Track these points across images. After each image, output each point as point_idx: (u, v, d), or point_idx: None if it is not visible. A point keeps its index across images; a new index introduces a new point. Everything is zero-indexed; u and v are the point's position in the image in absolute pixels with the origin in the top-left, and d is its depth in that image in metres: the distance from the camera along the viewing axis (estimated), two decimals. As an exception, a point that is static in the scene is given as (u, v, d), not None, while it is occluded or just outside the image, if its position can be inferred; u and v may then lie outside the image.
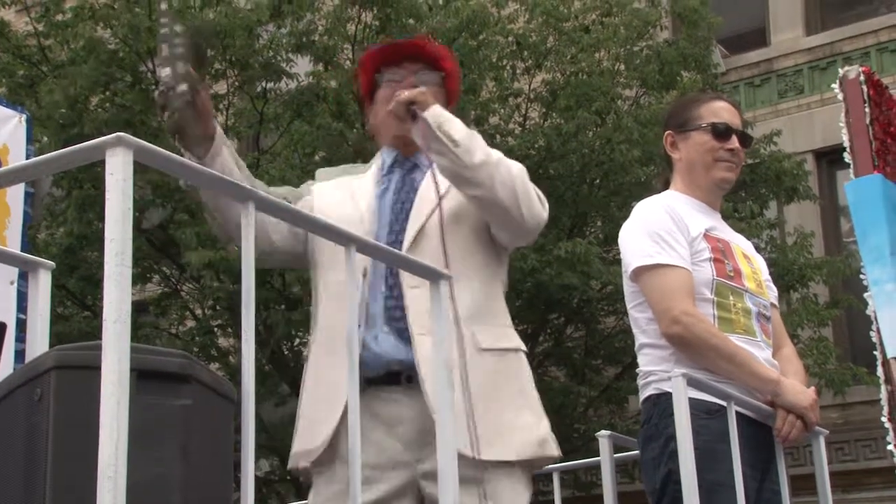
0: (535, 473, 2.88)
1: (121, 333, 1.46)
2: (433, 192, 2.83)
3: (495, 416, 2.69)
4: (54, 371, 1.57)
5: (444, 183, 2.85)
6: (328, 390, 2.75)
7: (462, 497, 2.57)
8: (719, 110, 3.37)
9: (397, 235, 2.82)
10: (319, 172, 3.13)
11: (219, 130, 2.69)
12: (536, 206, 2.82)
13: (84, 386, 1.52)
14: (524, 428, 2.75)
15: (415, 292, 2.72)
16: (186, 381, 1.65)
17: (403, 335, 2.72)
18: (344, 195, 2.94)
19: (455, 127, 2.73)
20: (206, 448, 1.68)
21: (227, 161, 2.69)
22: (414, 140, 2.80)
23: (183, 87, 2.45)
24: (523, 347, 2.90)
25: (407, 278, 2.73)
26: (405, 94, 2.78)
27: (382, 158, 3.04)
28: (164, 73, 2.45)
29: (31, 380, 1.59)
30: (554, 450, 2.81)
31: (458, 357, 2.67)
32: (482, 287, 2.81)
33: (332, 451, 2.72)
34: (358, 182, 2.99)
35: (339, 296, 2.75)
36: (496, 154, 2.78)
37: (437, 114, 2.74)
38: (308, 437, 2.78)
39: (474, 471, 2.60)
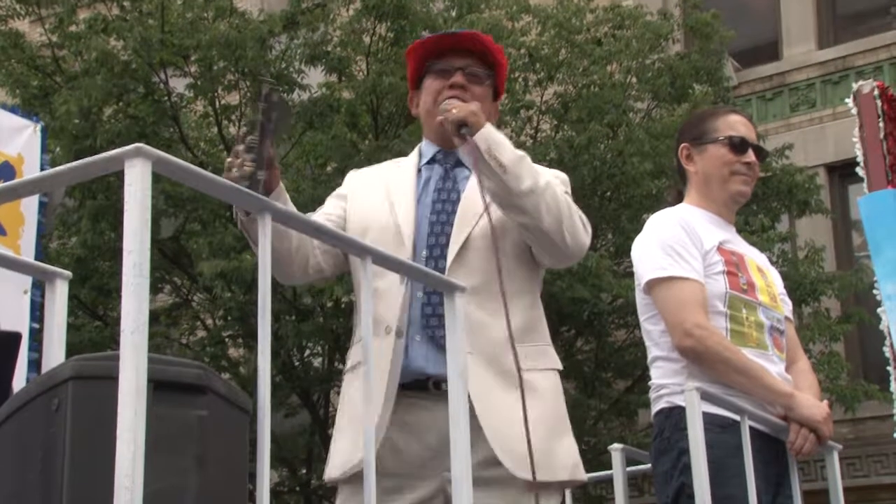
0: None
1: (138, 344, 1.46)
2: (479, 198, 2.74)
3: (549, 438, 2.69)
4: (72, 381, 1.57)
5: None
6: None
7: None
8: (735, 124, 3.37)
9: (437, 239, 2.78)
10: (351, 174, 3.08)
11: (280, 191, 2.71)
12: (580, 233, 2.78)
13: (101, 396, 1.52)
14: (566, 451, 2.76)
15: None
16: (202, 391, 1.65)
17: (439, 343, 2.67)
18: (379, 197, 2.89)
19: (504, 151, 2.69)
20: (222, 459, 1.68)
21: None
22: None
23: (262, 173, 2.48)
24: (560, 366, 2.89)
25: None
26: (456, 112, 2.73)
27: (421, 151, 3.00)
28: (250, 151, 2.46)
29: (49, 389, 1.60)
30: (582, 474, 2.82)
31: (520, 376, 2.59)
32: (526, 304, 2.79)
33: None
34: (394, 179, 2.94)
35: (381, 299, 2.74)
36: (543, 179, 2.73)
37: (487, 137, 2.69)
38: (346, 454, 2.74)
39: (528, 493, 2.60)
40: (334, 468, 2.78)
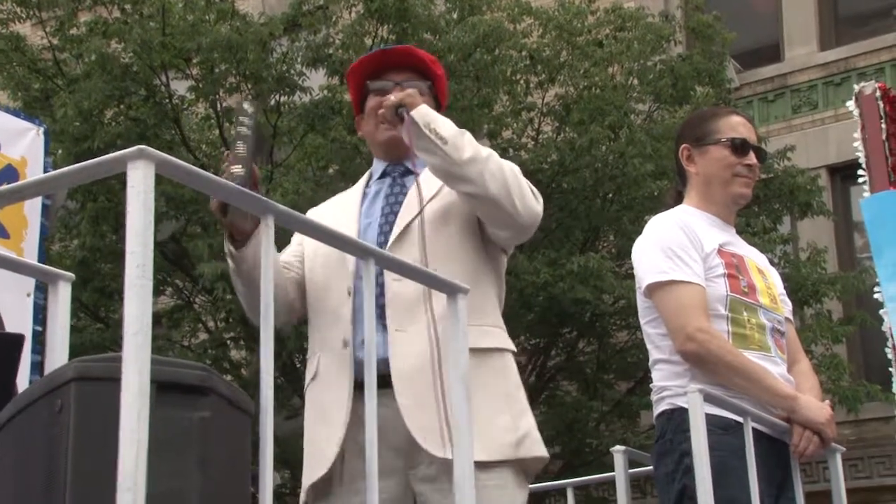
0: (548, 489, 2.87)
1: (141, 345, 1.46)
2: (421, 193, 2.85)
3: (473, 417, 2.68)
4: (75, 382, 1.57)
5: (433, 185, 2.87)
6: (325, 415, 2.78)
7: (441, 498, 2.58)
8: (737, 125, 3.37)
9: (386, 236, 2.84)
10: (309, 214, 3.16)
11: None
12: (530, 199, 2.82)
13: (104, 397, 1.53)
14: (500, 430, 2.74)
15: (396, 286, 2.74)
16: (205, 393, 1.65)
17: (384, 323, 2.74)
18: (328, 211, 2.99)
19: (442, 125, 2.76)
20: (225, 461, 1.68)
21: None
22: (404, 142, 2.83)
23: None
24: (509, 347, 2.88)
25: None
26: (392, 97, 2.81)
27: (371, 171, 3.08)
28: (237, 170, 2.56)
29: (52, 391, 1.60)
30: (534, 450, 2.80)
31: (433, 357, 2.68)
32: (472, 283, 2.77)
33: (334, 475, 2.73)
34: (342, 205, 3.04)
35: (329, 313, 2.82)
36: (486, 150, 2.79)
37: (425, 113, 2.76)
38: (311, 470, 2.80)
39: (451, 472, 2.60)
40: (302, 492, 2.84)
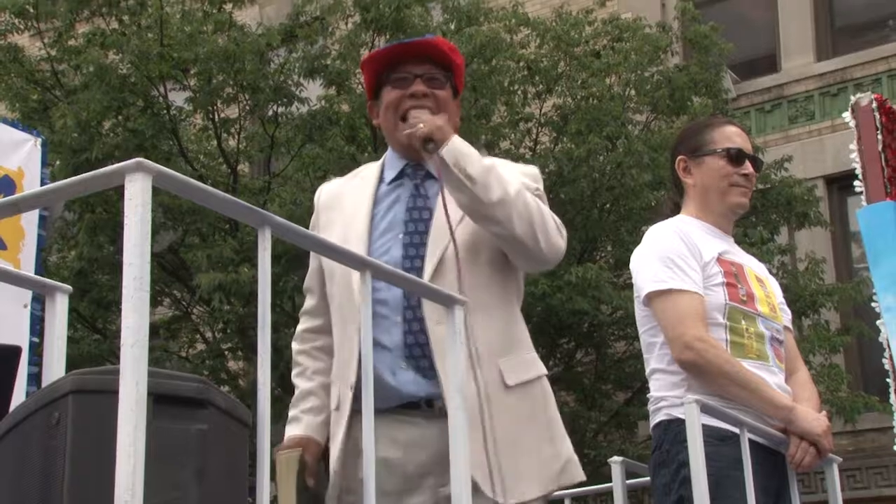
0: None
1: (138, 357, 1.46)
2: (448, 217, 2.73)
3: (519, 457, 2.68)
4: (72, 395, 1.57)
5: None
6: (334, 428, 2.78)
7: None
8: (731, 135, 3.38)
9: (412, 262, 2.75)
10: (320, 191, 3.06)
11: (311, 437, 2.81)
12: (555, 238, 2.78)
13: (102, 410, 1.52)
14: (547, 461, 2.75)
15: (440, 329, 2.64)
16: (203, 405, 1.65)
17: (427, 374, 2.68)
18: (338, 233, 2.86)
19: (472, 162, 2.68)
20: (222, 472, 1.68)
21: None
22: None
23: None
24: (544, 371, 2.88)
25: (430, 313, 2.67)
26: (422, 128, 2.72)
27: (385, 164, 2.98)
28: None
29: (49, 403, 1.60)
30: (576, 475, 2.81)
31: (480, 397, 2.63)
32: (503, 316, 2.78)
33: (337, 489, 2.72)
34: (353, 194, 2.94)
35: (346, 339, 2.79)
36: (513, 187, 2.72)
37: (455, 150, 2.68)
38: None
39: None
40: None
